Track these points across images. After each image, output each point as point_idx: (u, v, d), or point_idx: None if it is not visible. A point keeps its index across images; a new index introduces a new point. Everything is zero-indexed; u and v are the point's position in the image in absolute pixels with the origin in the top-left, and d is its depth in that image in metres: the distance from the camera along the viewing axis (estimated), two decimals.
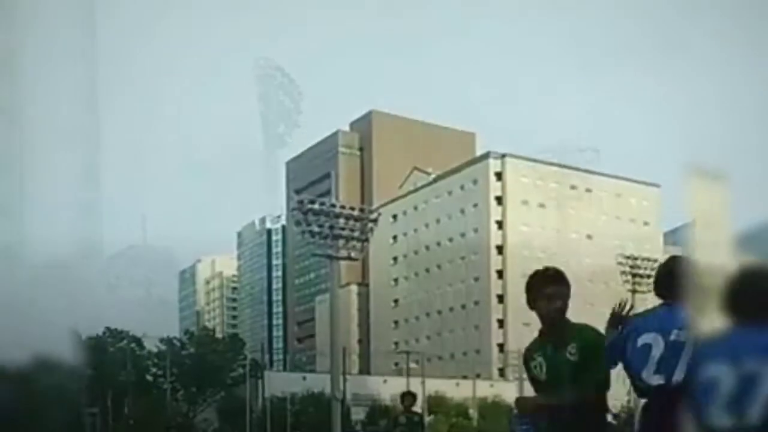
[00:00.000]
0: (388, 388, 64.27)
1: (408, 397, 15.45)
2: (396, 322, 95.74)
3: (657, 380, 4.46)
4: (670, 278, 4.52)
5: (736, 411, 3.22)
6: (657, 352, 4.50)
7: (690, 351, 4.02)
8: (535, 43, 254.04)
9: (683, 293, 3.65)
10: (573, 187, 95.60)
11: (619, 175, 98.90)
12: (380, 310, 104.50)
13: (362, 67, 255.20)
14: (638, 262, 72.69)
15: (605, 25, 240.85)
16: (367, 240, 45.70)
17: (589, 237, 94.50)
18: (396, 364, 75.17)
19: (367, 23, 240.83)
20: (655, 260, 75.85)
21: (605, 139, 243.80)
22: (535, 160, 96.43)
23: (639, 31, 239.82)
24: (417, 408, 17.45)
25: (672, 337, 4.46)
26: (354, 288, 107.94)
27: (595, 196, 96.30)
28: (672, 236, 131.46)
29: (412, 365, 73.87)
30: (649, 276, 73.61)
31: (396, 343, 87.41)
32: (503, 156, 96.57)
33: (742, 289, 3.44)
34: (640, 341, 4.56)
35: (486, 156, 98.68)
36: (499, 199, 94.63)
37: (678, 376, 4.36)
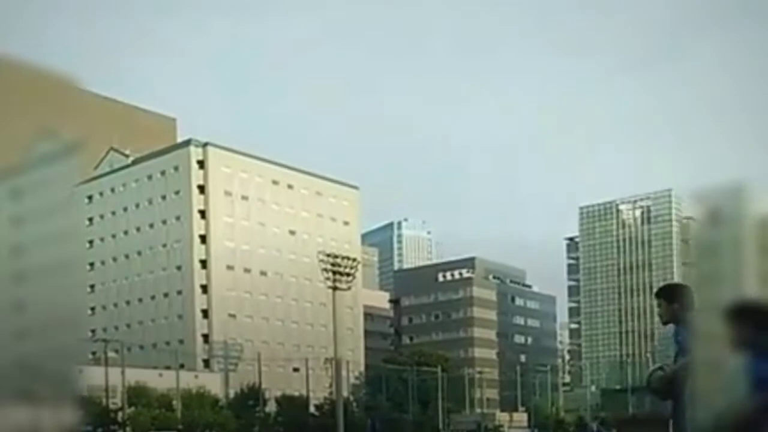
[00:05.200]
0: (84, 379, 62.21)
1: None
2: (93, 309, 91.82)
3: None
4: None
5: None
6: None
7: None
8: None
9: None
10: (275, 182, 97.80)
11: (319, 173, 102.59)
12: None
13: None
14: (339, 260, 76.46)
15: None
16: None
17: (291, 233, 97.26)
18: (93, 353, 72.60)
19: None
20: (354, 259, 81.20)
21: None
22: (236, 152, 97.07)
23: None
24: None
25: None
26: None
27: (297, 193, 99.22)
28: (368, 237, 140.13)
29: (111, 354, 72.18)
30: (348, 274, 78.35)
31: (93, 331, 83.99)
32: (205, 144, 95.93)
33: None
34: None
35: (187, 143, 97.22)
36: (202, 188, 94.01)
37: None
